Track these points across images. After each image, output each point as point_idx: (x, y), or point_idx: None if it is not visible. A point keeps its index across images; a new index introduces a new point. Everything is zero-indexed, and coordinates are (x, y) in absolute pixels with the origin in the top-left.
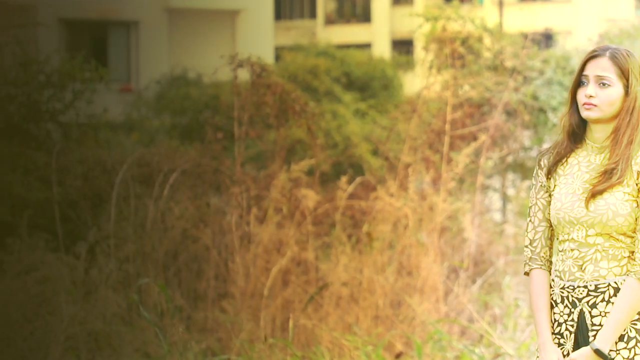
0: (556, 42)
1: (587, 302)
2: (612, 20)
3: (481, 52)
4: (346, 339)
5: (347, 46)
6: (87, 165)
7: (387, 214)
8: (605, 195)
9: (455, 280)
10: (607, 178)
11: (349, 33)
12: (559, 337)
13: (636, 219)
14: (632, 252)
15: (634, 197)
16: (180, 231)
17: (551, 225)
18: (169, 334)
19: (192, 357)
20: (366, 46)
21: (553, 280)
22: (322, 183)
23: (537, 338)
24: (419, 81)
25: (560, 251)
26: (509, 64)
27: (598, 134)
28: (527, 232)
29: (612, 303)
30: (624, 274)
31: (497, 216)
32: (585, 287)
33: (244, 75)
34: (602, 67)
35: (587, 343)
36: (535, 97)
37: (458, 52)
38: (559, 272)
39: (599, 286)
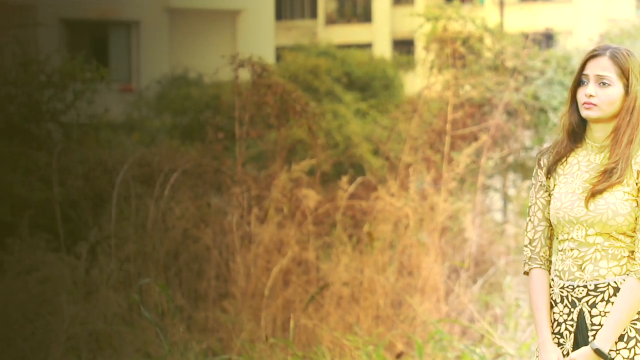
0: (557, 42)
1: (587, 302)
2: (612, 20)
3: (482, 52)
4: (347, 338)
5: (348, 46)
6: (88, 165)
7: (387, 213)
8: (605, 194)
9: (456, 280)
10: (607, 177)
11: (350, 33)
12: (559, 336)
13: (636, 218)
14: (632, 252)
15: (633, 196)
16: (181, 231)
17: (551, 225)
18: (169, 334)
19: (193, 357)
20: (367, 46)
21: (553, 279)
22: (323, 183)
23: (537, 337)
24: (420, 81)
25: (559, 251)
26: (509, 64)
27: (598, 134)
28: (527, 232)
29: (612, 303)
30: (624, 274)
31: (498, 216)
32: (585, 286)
33: (244, 75)
34: (602, 66)
35: (586, 343)
36: (536, 97)
37: (459, 52)
38: (559, 271)
39: (598, 286)
